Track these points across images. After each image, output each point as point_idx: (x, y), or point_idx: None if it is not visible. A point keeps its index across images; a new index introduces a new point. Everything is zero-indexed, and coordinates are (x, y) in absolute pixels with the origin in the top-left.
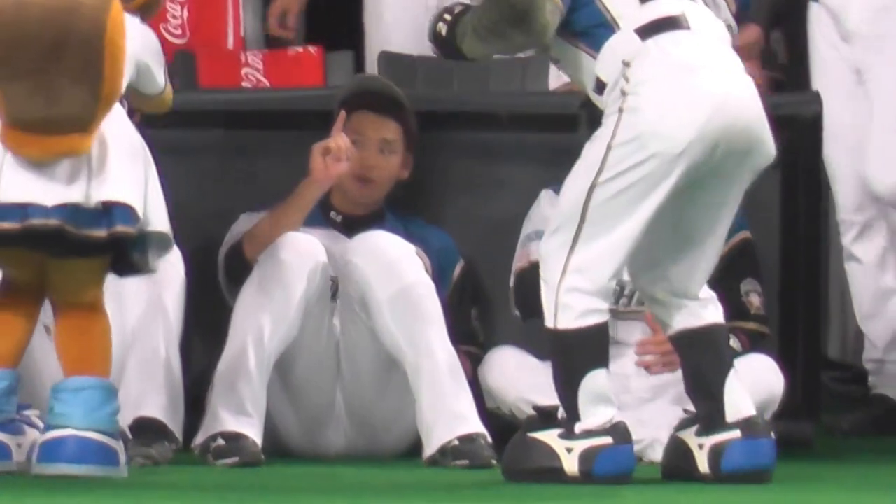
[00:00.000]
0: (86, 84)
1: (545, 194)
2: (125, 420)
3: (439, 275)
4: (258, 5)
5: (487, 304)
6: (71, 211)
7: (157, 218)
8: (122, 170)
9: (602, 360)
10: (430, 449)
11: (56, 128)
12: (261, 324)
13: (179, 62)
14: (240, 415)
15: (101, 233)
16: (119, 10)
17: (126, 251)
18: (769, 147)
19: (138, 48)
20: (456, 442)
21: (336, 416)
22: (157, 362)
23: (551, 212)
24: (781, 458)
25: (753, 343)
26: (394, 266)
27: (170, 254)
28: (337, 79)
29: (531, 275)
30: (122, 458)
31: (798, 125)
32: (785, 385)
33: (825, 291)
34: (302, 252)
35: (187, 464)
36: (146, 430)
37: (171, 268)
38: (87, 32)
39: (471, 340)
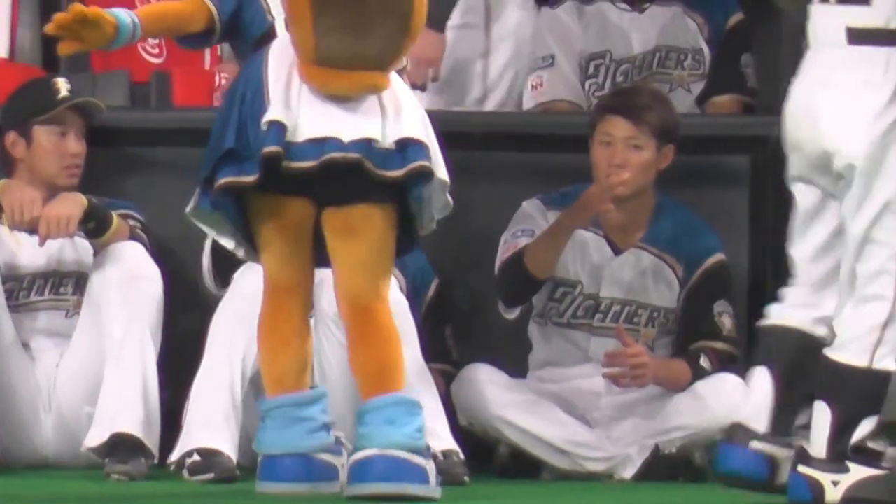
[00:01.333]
0: (396, 18)
1: (534, 202)
2: (101, 436)
3: (414, 293)
4: None
5: (461, 322)
6: (366, 146)
7: (440, 168)
8: (413, 111)
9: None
10: None
11: (361, 63)
12: (236, 341)
13: (155, 82)
14: (215, 431)
15: (396, 172)
16: None
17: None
18: None
19: None
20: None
21: None
22: (134, 378)
23: (538, 215)
24: None
25: (723, 364)
26: None
27: (148, 270)
28: None
29: (516, 263)
30: (432, 476)
31: (767, 145)
32: None
33: None
34: None
35: (163, 479)
36: (122, 445)
37: (150, 284)
38: None
39: (444, 358)
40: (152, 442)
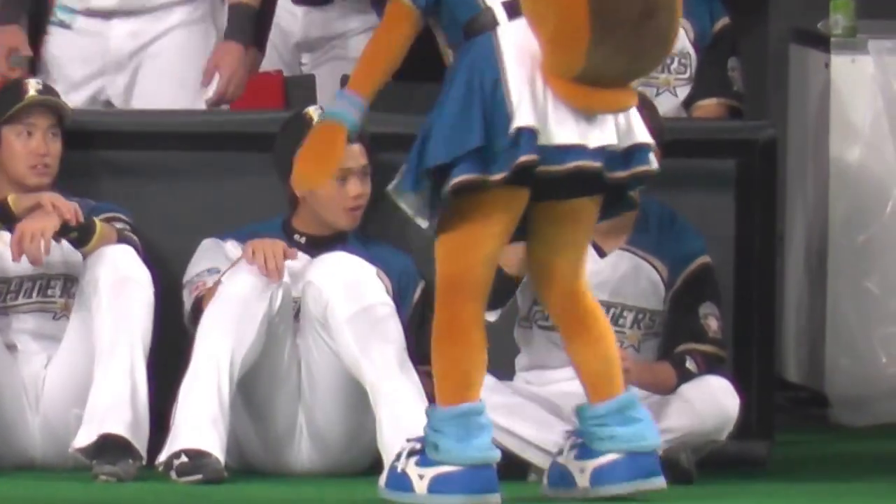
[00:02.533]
0: (665, 44)
1: None
2: (89, 437)
3: (400, 296)
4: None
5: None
6: (607, 154)
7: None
8: (636, 114)
9: None
10: None
11: (615, 83)
12: (224, 342)
13: None
14: (203, 432)
15: (621, 173)
16: None
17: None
18: None
19: None
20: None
21: (298, 435)
22: (122, 379)
23: None
24: (736, 477)
25: (709, 366)
26: (355, 287)
27: (138, 273)
28: (298, 101)
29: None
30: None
31: (753, 150)
32: (740, 406)
33: (780, 313)
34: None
35: (151, 480)
36: (110, 446)
37: (139, 286)
38: None
39: (430, 360)
40: (140, 443)
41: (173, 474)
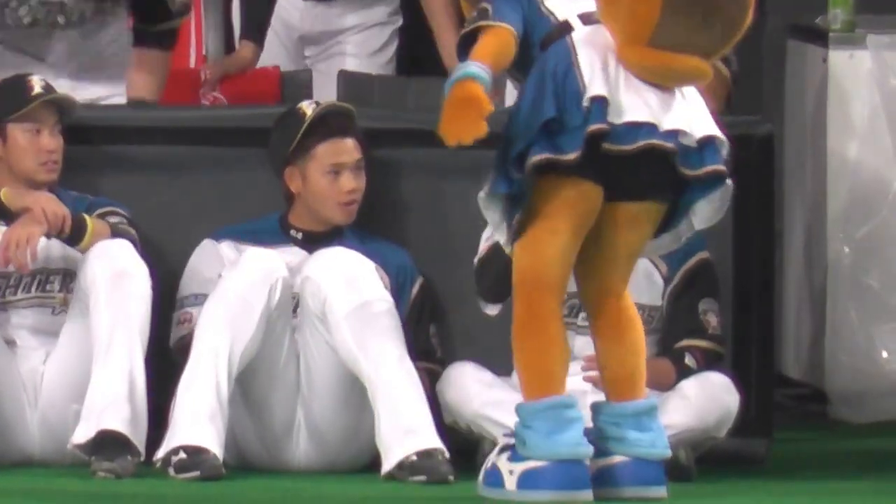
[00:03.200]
0: (738, 7)
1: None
2: (87, 433)
3: (397, 291)
4: (220, 24)
5: (445, 321)
6: (677, 139)
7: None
8: (706, 110)
9: None
10: (387, 464)
11: (692, 51)
12: (223, 338)
13: None
14: (201, 428)
15: (696, 171)
16: None
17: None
18: None
19: None
20: (414, 457)
21: (296, 431)
22: (121, 375)
23: None
24: (736, 474)
25: (708, 362)
26: (353, 282)
27: (136, 268)
28: (294, 96)
29: (496, 257)
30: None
31: (751, 145)
32: (739, 402)
33: (779, 310)
34: (263, 268)
35: (149, 477)
36: (109, 443)
37: (137, 281)
38: None
39: (429, 357)
40: (139, 439)
41: (171, 471)
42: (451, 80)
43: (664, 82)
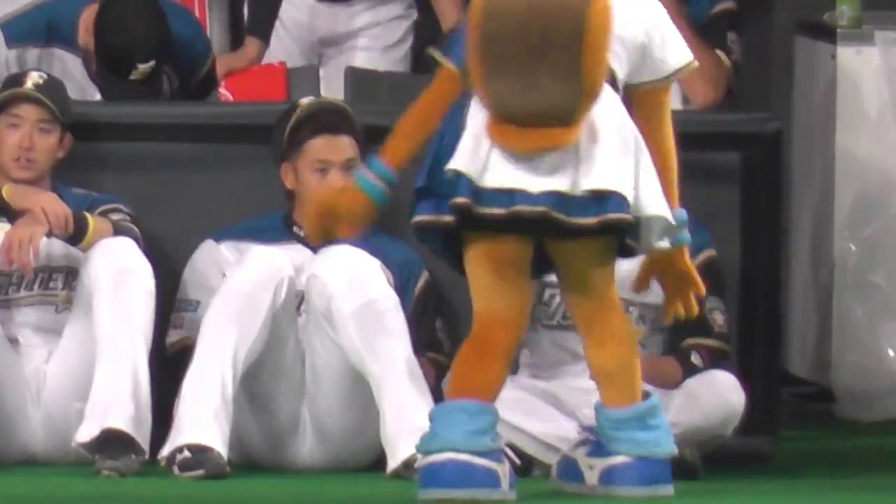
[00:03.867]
0: (567, 82)
1: None
2: (91, 431)
3: (402, 286)
4: (224, 17)
5: (452, 316)
6: (557, 198)
7: (653, 202)
8: (612, 158)
9: None
10: (393, 462)
11: (539, 121)
12: (228, 337)
13: None
14: (206, 427)
15: (590, 220)
16: (603, 4)
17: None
18: None
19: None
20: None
21: (301, 429)
22: (125, 374)
23: None
24: (740, 472)
25: (714, 360)
26: (358, 280)
27: (139, 265)
28: (301, 93)
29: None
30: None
31: (759, 142)
32: (745, 400)
33: (785, 308)
34: (269, 266)
35: (153, 475)
36: (113, 441)
37: (141, 279)
38: (569, 31)
39: (436, 349)
40: (143, 438)
41: (176, 469)
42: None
43: (525, 154)
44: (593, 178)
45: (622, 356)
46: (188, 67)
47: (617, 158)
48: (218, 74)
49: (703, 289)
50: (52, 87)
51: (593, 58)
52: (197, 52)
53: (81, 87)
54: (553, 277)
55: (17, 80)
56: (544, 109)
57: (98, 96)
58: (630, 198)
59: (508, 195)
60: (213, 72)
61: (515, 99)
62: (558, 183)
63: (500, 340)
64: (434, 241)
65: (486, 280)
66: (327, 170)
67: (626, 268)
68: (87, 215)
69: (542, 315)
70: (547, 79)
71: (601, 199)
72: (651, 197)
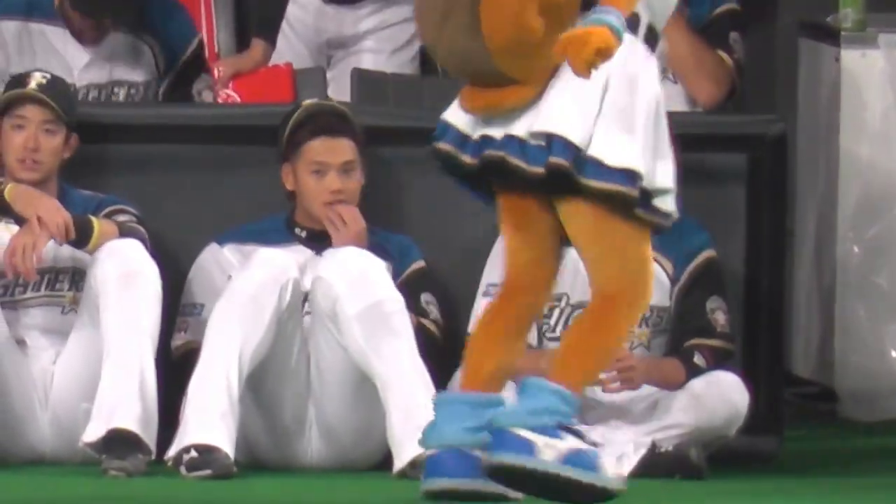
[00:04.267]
0: (473, 39)
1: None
2: (98, 431)
3: (396, 270)
4: (230, 21)
5: (447, 303)
6: (513, 143)
7: (661, 175)
8: (564, 103)
9: None
10: (400, 462)
11: (479, 80)
12: (234, 337)
13: None
14: (213, 427)
15: (538, 169)
16: None
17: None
18: None
19: None
20: (426, 455)
21: (307, 429)
22: (132, 374)
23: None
24: (746, 472)
25: (718, 360)
26: (363, 281)
27: (146, 267)
28: (308, 94)
29: None
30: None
31: (763, 144)
32: (749, 401)
33: (789, 308)
34: (274, 268)
35: (160, 475)
36: (120, 441)
37: (147, 280)
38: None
39: (422, 315)
40: (150, 438)
41: (183, 469)
42: (594, 22)
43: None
44: (542, 120)
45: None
46: (173, 43)
47: (571, 104)
48: (224, 76)
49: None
50: (56, 88)
51: (492, 16)
52: (180, 28)
53: (64, 60)
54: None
55: (20, 80)
56: (469, 70)
57: (77, 67)
58: (580, 143)
59: (481, 143)
60: (201, 52)
61: (444, 59)
62: (517, 128)
63: (518, 309)
64: (454, 177)
65: (507, 242)
66: (325, 172)
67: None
68: (92, 218)
69: (545, 329)
70: (458, 37)
71: (550, 144)
72: (661, 170)
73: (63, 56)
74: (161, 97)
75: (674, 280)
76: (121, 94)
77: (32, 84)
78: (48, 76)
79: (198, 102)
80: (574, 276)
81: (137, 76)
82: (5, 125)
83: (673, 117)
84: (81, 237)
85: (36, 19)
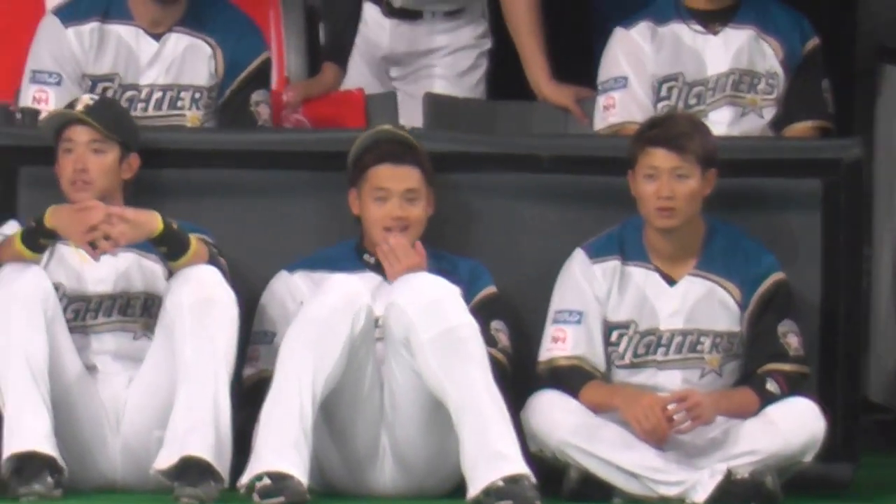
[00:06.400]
0: None
1: (578, 256)
2: (170, 458)
3: (466, 298)
4: (301, 45)
5: (519, 329)
6: None
7: None
8: None
9: None
10: (474, 489)
11: None
12: (307, 365)
13: None
14: (286, 454)
15: None
16: None
17: None
18: None
19: None
20: (500, 483)
21: (380, 456)
22: (206, 401)
23: (584, 282)
24: (820, 499)
25: (792, 385)
26: (437, 307)
27: (223, 294)
28: (379, 120)
29: (569, 384)
30: None
31: (840, 169)
32: (825, 427)
33: (866, 334)
34: (346, 293)
35: (233, 503)
36: (192, 469)
37: (224, 307)
38: None
39: (491, 345)
40: (223, 466)
41: (256, 497)
42: None
43: None
44: None
45: None
46: (239, 54)
47: None
48: (294, 100)
49: None
50: (103, 108)
51: None
52: (249, 41)
53: (134, 56)
54: (620, 318)
55: (69, 104)
56: None
57: (144, 62)
58: None
59: None
60: (266, 68)
61: None
62: None
63: None
64: None
65: None
66: (387, 198)
67: (694, 298)
68: (190, 235)
69: (614, 356)
70: None
71: None
72: None
73: (135, 52)
74: (219, 106)
75: (742, 305)
76: (186, 98)
77: (79, 106)
78: (96, 98)
79: (266, 128)
80: (641, 304)
81: (201, 80)
82: (59, 151)
83: (749, 142)
84: (176, 250)
85: (111, 20)
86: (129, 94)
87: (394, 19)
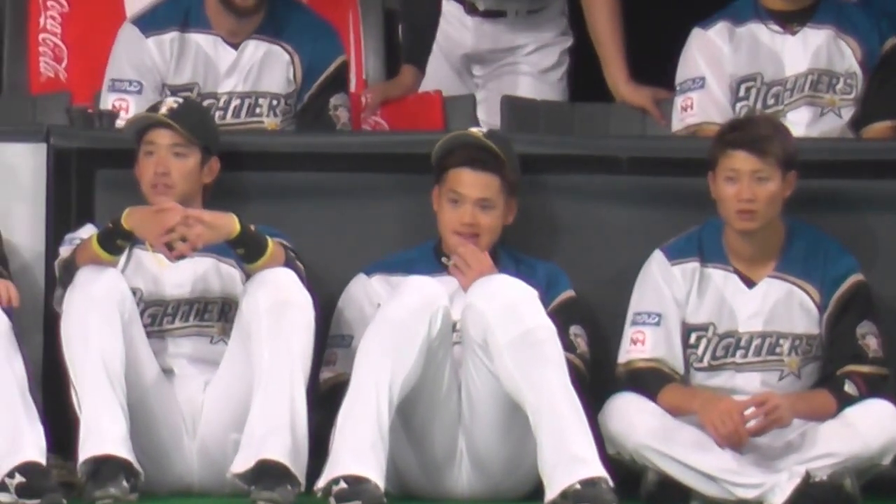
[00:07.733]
0: None
1: (657, 258)
2: (247, 462)
3: (544, 302)
4: (380, 47)
5: (597, 334)
6: None
7: None
8: None
9: None
10: (551, 492)
11: None
12: (384, 367)
13: None
14: (363, 458)
15: None
16: None
17: None
18: None
19: None
20: (578, 486)
21: (458, 459)
22: (282, 405)
23: (664, 284)
24: None
25: (871, 387)
26: (515, 309)
27: (300, 297)
28: (457, 122)
29: (648, 387)
30: None
31: None
32: None
33: None
34: (425, 296)
35: None
36: (269, 473)
37: (300, 311)
38: None
39: (568, 350)
40: (299, 469)
41: (332, 501)
42: None
43: None
44: None
45: None
46: (316, 59)
47: None
48: (373, 103)
49: None
50: (187, 111)
51: None
52: (326, 45)
53: (213, 64)
54: (699, 320)
55: (153, 107)
56: None
57: (223, 70)
58: None
59: None
60: (344, 71)
61: None
62: None
63: None
64: None
65: None
66: (461, 202)
67: (773, 300)
68: (268, 238)
69: (692, 358)
70: None
71: None
72: None
73: (213, 61)
74: (297, 112)
75: (821, 307)
76: (264, 105)
77: (163, 109)
78: (180, 101)
79: (345, 131)
80: (720, 306)
81: (278, 87)
82: (140, 154)
83: (828, 144)
84: (254, 252)
85: (190, 29)
86: (207, 102)
87: (477, 17)
